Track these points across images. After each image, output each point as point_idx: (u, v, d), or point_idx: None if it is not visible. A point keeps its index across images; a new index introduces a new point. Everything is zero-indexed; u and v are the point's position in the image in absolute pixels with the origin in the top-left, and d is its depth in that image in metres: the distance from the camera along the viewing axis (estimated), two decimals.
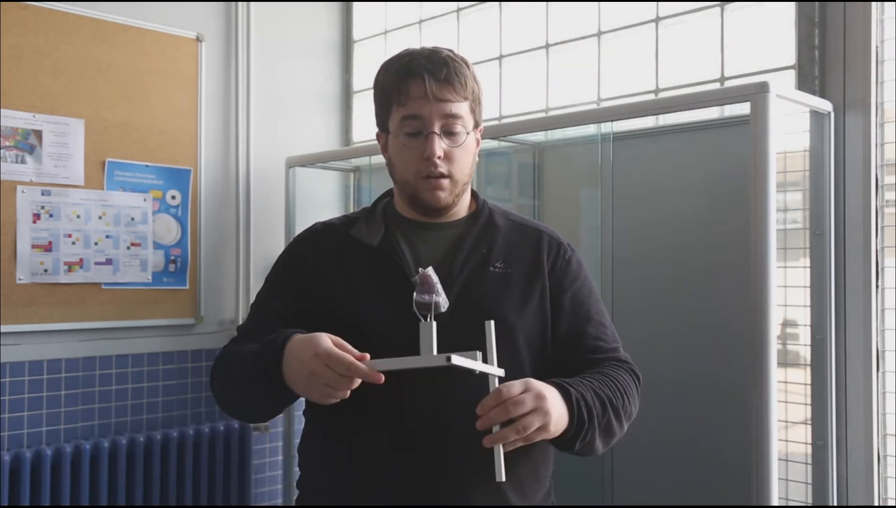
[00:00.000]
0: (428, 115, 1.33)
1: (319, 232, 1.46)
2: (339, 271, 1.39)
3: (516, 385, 1.17)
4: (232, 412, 1.42)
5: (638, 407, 1.41)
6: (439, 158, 1.33)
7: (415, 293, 1.23)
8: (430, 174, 1.34)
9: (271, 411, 1.37)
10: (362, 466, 1.33)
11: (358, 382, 1.17)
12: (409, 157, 1.36)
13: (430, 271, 1.26)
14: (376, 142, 1.48)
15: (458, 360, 1.13)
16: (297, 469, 1.47)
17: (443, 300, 1.24)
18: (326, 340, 1.18)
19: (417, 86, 1.33)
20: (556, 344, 1.40)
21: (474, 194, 1.48)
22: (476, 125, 1.41)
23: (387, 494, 1.32)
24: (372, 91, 1.44)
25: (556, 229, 1.53)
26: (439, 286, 1.24)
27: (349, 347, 1.19)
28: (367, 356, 1.16)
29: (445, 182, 1.36)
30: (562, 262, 1.43)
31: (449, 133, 1.35)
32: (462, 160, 1.37)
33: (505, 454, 1.26)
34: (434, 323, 1.20)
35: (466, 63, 1.38)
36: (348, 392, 1.18)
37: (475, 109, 1.40)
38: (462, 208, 1.44)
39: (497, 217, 1.45)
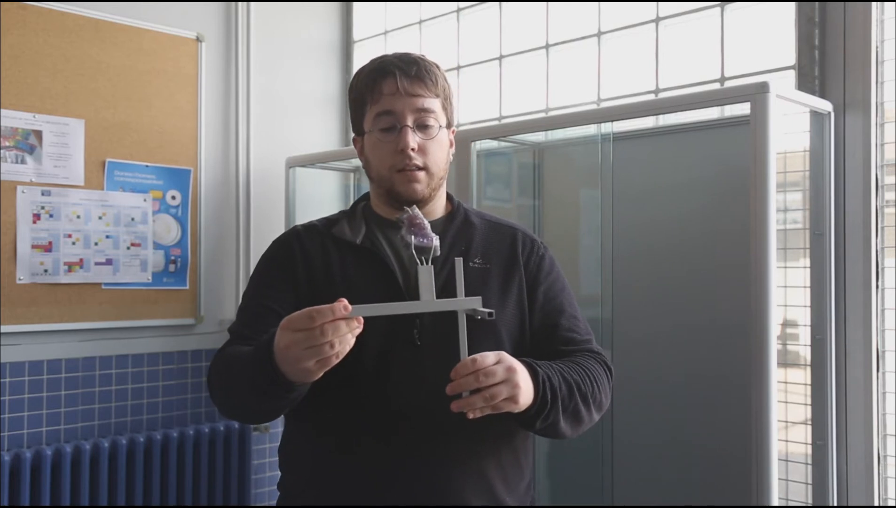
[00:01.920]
0: (401, 109, 1.37)
1: (300, 232, 1.47)
2: (324, 270, 1.40)
3: (490, 356, 1.19)
4: (232, 415, 1.41)
5: (610, 399, 1.43)
6: (413, 150, 1.37)
7: (411, 237, 1.26)
8: (406, 167, 1.37)
9: (273, 412, 1.35)
10: (346, 463, 1.34)
11: (344, 329, 1.10)
12: (384, 151, 1.39)
13: (417, 210, 1.31)
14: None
15: (450, 303, 1.18)
16: (279, 469, 1.46)
17: (436, 241, 1.29)
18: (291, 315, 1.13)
19: (389, 83, 1.38)
20: (531, 337, 1.43)
21: (449, 197, 1.52)
22: (448, 124, 1.45)
23: (371, 489, 1.32)
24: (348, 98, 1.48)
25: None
26: (429, 226, 1.29)
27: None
28: (343, 299, 1.11)
29: (421, 174, 1.39)
30: (536, 258, 1.47)
31: (422, 126, 1.39)
32: (436, 153, 1.40)
33: (490, 442, 1.32)
34: (432, 267, 1.24)
35: (437, 65, 1.43)
36: (338, 344, 1.10)
37: (447, 108, 1.43)
38: (438, 207, 1.47)
39: (472, 217, 1.48)
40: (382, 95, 1.38)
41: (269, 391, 1.20)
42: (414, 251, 1.25)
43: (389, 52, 1.46)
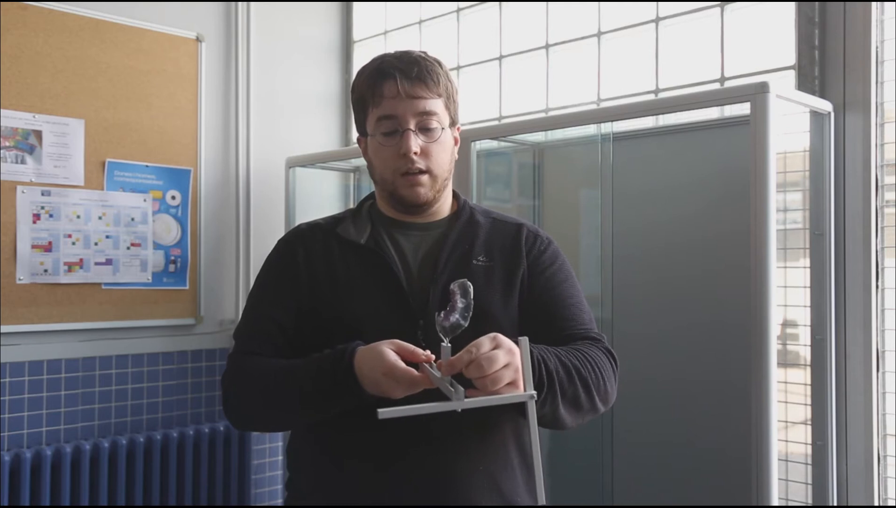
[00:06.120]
0: (402, 113, 1.36)
1: (305, 232, 1.47)
2: (328, 270, 1.40)
3: (485, 342, 1.17)
4: (252, 425, 1.43)
5: (616, 389, 1.39)
6: (416, 154, 1.36)
7: (451, 316, 1.19)
8: (409, 171, 1.37)
9: (306, 421, 1.38)
10: (351, 464, 1.34)
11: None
12: (386, 155, 1.38)
13: (471, 287, 1.21)
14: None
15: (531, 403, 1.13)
16: (287, 469, 1.47)
17: (465, 322, 1.23)
18: (391, 354, 1.20)
19: (390, 86, 1.36)
20: (532, 326, 1.40)
21: (455, 195, 1.51)
22: (452, 123, 1.43)
23: (376, 490, 1.32)
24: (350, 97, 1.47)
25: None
26: (471, 306, 1.22)
27: (411, 348, 1.21)
28: (433, 356, 1.18)
29: (424, 178, 1.38)
30: (537, 250, 1.45)
31: (424, 129, 1.37)
32: (439, 156, 1.39)
33: (497, 442, 1.30)
34: (450, 346, 1.17)
35: (439, 62, 1.41)
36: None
37: (450, 107, 1.42)
38: (444, 207, 1.46)
39: (478, 215, 1.47)
40: (384, 98, 1.36)
41: (338, 403, 1.26)
42: (442, 328, 1.19)
43: (390, 51, 1.44)
